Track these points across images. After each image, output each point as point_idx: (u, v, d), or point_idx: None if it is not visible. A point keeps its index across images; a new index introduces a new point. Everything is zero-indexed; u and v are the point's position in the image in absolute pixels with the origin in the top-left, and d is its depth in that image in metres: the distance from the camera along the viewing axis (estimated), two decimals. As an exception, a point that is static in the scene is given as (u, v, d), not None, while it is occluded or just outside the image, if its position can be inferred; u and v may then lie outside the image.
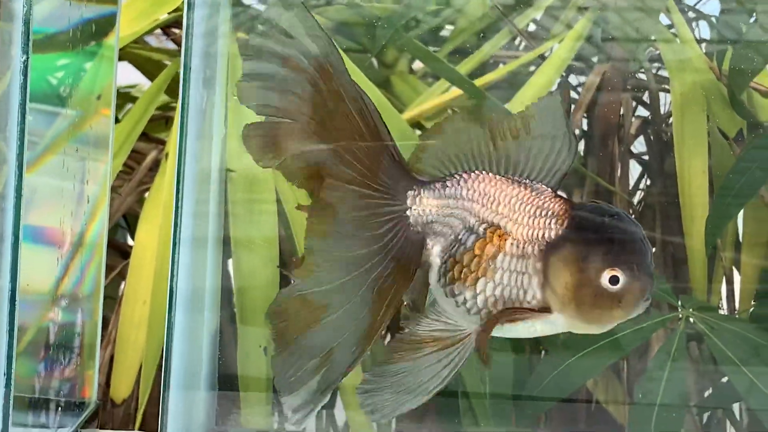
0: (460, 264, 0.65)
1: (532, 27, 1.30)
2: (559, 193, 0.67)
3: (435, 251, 0.66)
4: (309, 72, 0.64)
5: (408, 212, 0.66)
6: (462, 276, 0.65)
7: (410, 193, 0.66)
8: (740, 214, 1.15)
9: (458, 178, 0.66)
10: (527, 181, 0.66)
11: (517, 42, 1.30)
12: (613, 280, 0.63)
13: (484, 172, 0.67)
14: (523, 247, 0.65)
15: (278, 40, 0.64)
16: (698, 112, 1.17)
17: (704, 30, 1.26)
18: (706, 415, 1.16)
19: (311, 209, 0.65)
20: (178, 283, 0.75)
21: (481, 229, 0.65)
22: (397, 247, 0.65)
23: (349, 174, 0.64)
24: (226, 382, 0.90)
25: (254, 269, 0.94)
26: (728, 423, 1.14)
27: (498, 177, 0.66)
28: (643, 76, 1.28)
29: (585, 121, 1.29)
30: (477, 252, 0.65)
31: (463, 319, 0.66)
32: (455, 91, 1.18)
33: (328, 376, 0.64)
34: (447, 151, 0.67)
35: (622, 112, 1.28)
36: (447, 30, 1.28)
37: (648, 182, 1.31)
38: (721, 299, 1.17)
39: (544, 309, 0.64)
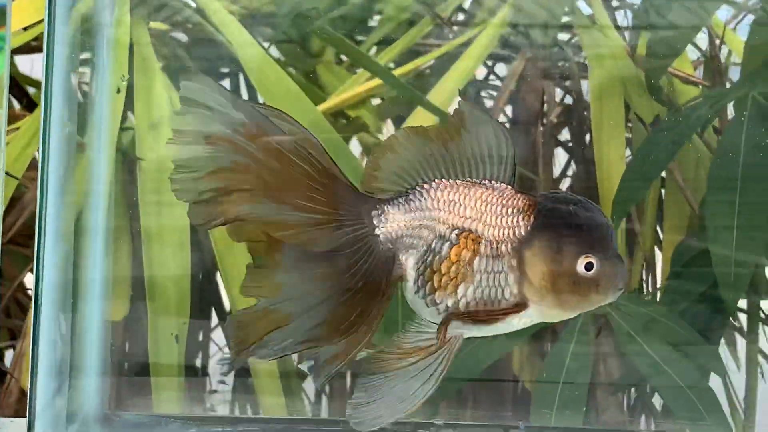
0: (438, 273, 0.66)
1: (461, 16, 1.32)
2: (518, 188, 0.68)
3: (409, 264, 0.67)
4: (236, 142, 0.65)
5: (376, 231, 0.67)
6: (442, 285, 0.66)
7: (374, 213, 0.67)
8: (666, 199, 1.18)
9: (420, 189, 0.68)
10: (486, 181, 0.67)
11: (454, 30, 1.31)
12: (588, 266, 0.65)
13: (443, 179, 0.68)
14: (497, 247, 0.66)
15: (198, 119, 0.65)
16: (616, 99, 1.19)
17: (624, 17, 1.28)
18: (633, 397, 1.19)
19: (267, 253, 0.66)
20: (48, 274, 0.75)
21: (453, 235, 0.66)
22: (364, 267, 0.66)
23: (306, 217, 0.65)
24: (137, 368, 0.91)
25: (165, 258, 0.95)
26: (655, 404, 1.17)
27: (458, 182, 0.67)
28: (566, 64, 1.30)
29: (510, 109, 1.31)
30: (453, 259, 0.66)
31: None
32: (378, 81, 1.19)
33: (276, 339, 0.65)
34: (401, 165, 0.68)
35: (545, 100, 1.30)
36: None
37: (575, 169, 1.33)
38: (642, 281, 1.20)
39: (521, 304, 0.66)
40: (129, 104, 0.96)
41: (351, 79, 1.20)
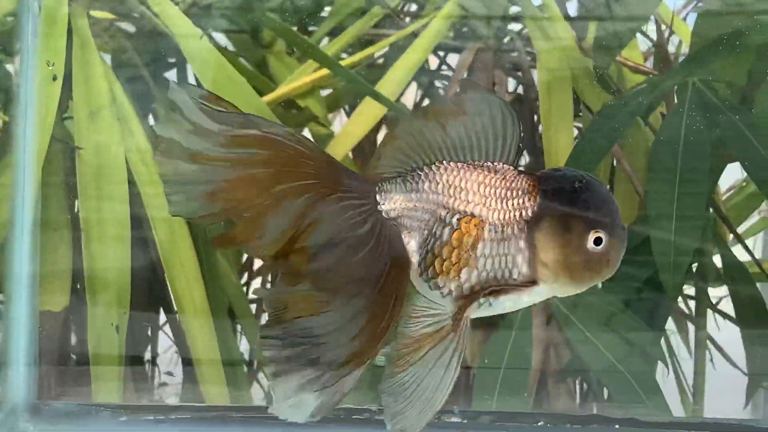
0: (440, 258, 0.66)
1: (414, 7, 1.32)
2: (520, 168, 0.68)
3: (412, 247, 0.67)
4: (224, 152, 0.64)
5: (379, 207, 0.67)
6: (444, 269, 0.66)
7: (377, 189, 0.67)
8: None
9: (418, 172, 0.67)
10: (488, 164, 0.67)
11: (406, 21, 1.31)
12: (597, 241, 0.65)
13: (444, 162, 0.67)
14: (502, 231, 0.66)
15: (182, 135, 0.64)
16: (564, 88, 1.19)
17: (574, 7, 1.29)
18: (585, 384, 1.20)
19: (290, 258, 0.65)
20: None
21: (454, 220, 0.66)
22: (386, 244, 0.66)
23: (315, 198, 0.65)
24: (79, 358, 0.91)
25: (105, 250, 0.95)
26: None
27: (459, 165, 0.67)
28: (516, 54, 1.30)
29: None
30: (455, 244, 0.66)
31: (451, 305, 0.67)
32: (326, 71, 1.19)
33: (321, 367, 0.64)
34: (403, 150, 0.67)
35: (495, 90, 1.30)
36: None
37: (527, 159, 1.34)
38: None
39: (530, 282, 0.66)
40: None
41: (299, 69, 1.20)
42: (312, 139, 0.67)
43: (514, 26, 1.30)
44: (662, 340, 1.28)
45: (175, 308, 0.99)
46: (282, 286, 0.65)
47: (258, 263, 1.28)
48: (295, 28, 1.29)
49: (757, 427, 0.84)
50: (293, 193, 0.64)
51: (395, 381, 0.67)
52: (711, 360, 1.30)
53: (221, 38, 1.27)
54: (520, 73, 1.31)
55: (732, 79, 1.07)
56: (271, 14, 1.22)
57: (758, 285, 1.13)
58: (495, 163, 0.67)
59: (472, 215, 0.66)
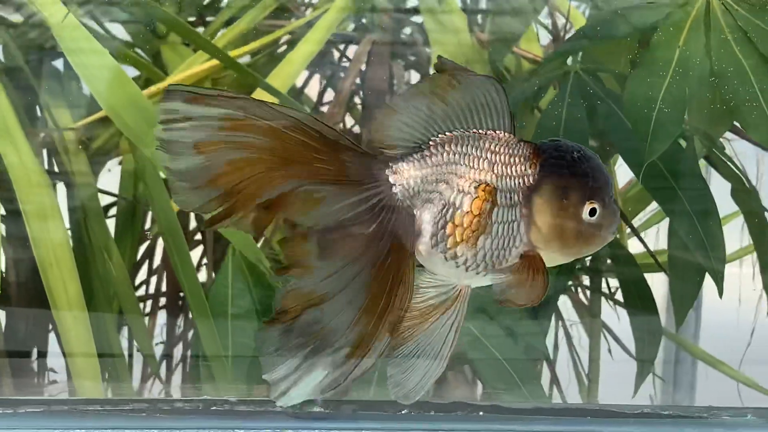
0: (460, 227, 0.66)
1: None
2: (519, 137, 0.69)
3: (425, 219, 0.66)
4: (226, 140, 0.63)
5: (394, 189, 0.66)
6: (464, 238, 0.66)
7: (388, 171, 0.66)
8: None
9: (433, 143, 0.66)
10: (490, 132, 0.67)
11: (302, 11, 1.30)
12: (592, 212, 0.66)
13: (455, 132, 0.67)
14: (511, 197, 0.66)
15: (183, 131, 0.63)
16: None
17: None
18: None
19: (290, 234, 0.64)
20: None
21: (471, 188, 0.66)
22: (389, 227, 0.65)
23: (320, 188, 0.64)
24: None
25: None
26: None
27: (466, 134, 0.67)
28: (414, 46, 1.30)
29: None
30: (475, 212, 0.66)
31: (460, 278, 0.68)
32: (215, 61, 1.18)
33: (315, 351, 0.64)
34: (408, 124, 0.66)
35: (394, 82, 1.30)
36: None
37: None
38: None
39: (528, 251, 0.67)
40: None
41: (190, 58, 1.19)
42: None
43: (417, 18, 1.29)
44: (560, 330, 1.29)
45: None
46: (282, 275, 0.64)
47: (157, 260, 1.27)
48: (193, 19, 1.29)
49: (619, 412, 0.84)
50: (295, 176, 0.64)
51: (400, 352, 0.67)
52: (609, 350, 1.31)
53: (119, 29, 1.25)
54: (416, 65, 1.31)
55: (616, 67, 1.08)
56: (167, 4, 1.21)
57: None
58: (497, 132, 0.67)
59: (487, 183, 0.66)
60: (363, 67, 1.28)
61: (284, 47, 1.30)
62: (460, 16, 1.23)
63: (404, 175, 0.66)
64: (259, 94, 1.18)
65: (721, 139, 1.16)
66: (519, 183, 0.66)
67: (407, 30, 1.31)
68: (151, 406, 0.77)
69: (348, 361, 0.64)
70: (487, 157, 0.67)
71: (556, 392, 1.27)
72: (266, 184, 0.64)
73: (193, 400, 0.80)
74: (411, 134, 0.66)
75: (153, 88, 1.15)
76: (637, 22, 0.99)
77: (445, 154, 0.66)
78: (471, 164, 0.66)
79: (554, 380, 1.28)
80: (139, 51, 1.26)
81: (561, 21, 1.27)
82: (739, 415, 0.86)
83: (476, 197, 0.66)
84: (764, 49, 0.90)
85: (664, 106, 0.90)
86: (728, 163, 1.11)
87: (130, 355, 1.12)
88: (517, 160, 0.67)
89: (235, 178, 0.63)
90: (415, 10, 1.27)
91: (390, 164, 0.66)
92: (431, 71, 0.66)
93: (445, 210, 0.66)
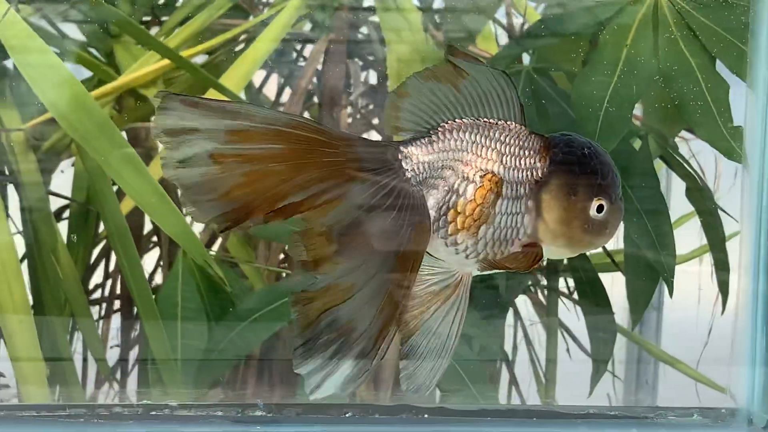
0: (462, 214, 0.65)
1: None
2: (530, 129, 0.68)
3: (429, 204, 0.66)
4: (236, 152, 0.61)
5: (407, 174, 0.65)
6: (465, 226, 0.65)
7: (400, 156, 0.65)
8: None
9: (442, 129, 0.66)
10: (501, 122, 0.66)
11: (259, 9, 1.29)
12: (599, 208, 0.66)
13: (464, 119, 0.66)
14: (516, 189, 0.66)
15: (188, 145, 0.61)
16: (414, 78, 1.18)
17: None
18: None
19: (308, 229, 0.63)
20: None
21: (477, 177, 0.66)
22: (408, 211, 0.64)
23: (336, 187, 0.63)
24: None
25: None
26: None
27: (476, 122, 0.66)
28: (370, 45, 1.29)
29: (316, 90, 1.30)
30: (479, 201, 0.65)
31: (459, 265, 0.67)
32: (167, 60, 1.17)
33: (344, 344, 0.63)
34: (420, 108, 0.65)
35: (351, 81, 1.29)
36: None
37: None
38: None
39: (532, 244, 0.66)
40: None
41: (142, 58, 1.18)
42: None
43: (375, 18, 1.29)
44: (520, 331, 1.29)
45: None
46: (302, 273, 0.63)
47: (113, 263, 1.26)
48: (148, 18, 1.28)
49: (565, 413, 0.84)
50: (314, 180, 0.63)
51: (409, 344, 0.67)
52: (567, 350, 1.31)
53: (73, 29, 1.24)
54: (374, 64, 1.30)
55: (569, 66, 1.08)
56: (121, 3, 1.20)
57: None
58: (508, 123, 0.67)
59: (493, 173, 0.66)
60: (319, 66, 1.28)
61: (242, 45, 1.29)
62: (414, 14, 1.23)
63: (413, 160, 0.65)
64: (212, 94, 1.17)
65: (679, 139, 1.16)
66: (527, 176, 0.66)
67: (364, 29, 1.31)
68: (89, 411, 0.76)
69: (374, 350, 0.63)
70: (495, 147, 0.66)
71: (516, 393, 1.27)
72: (281, 193, 0.62)
73: (132, 405, 0.79)
74: (422, 118, 0.66)
75: (103, 89, 1.15)
76: (586, 20, 0.99)
77: (453, 141, 0.66)
78: (478, 153, 0.66)
79: (513, 381, 1.28)
80: (93, 51, 1.25)
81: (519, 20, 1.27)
82: (685, 415, 0.86)
83: (480, 186, 0.65)
84: (711, 47, 0.90)
85: (610, 106, 0.90)
86: (683, 162, 1.11)
87: (85, 360, 1.11)
88: (526, 152, 0.66)
89: (250, 190, 0.62)
90: (371, 9, 1.26)
91: (400, 149, 0.66)
92: (446, 58, 0.66)
93: (448, 196, 0.66)
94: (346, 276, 0.63)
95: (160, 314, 1.01)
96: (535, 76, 1.04)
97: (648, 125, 1.09)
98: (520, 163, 0.66)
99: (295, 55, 1.34)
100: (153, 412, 0.79)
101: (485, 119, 0.66)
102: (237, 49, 1.30)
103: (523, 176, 0.66)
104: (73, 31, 1.23)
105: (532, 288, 1.28)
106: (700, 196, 1.07)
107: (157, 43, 1.14)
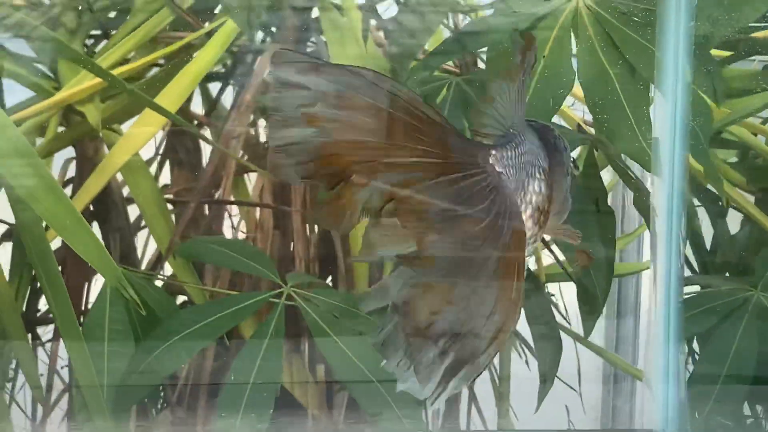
0: (540, 211, 0.67)
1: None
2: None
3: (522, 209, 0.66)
4: (339, 118, 0.60)
5: (502, 176, 0.65)
6: (542, 221, 0.67)
7: (491, 158, 0.65)
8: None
9: (513, 132, 0.67)
10: (533, 120, 0.70)
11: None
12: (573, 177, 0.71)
13: (526, 121, 0.68)
14: (548, 180, 0.68)
15: (295, 99, 0.59)
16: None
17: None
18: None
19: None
20: None
21: (539, 174, 0.68)
22: (503, 209, 0.64)
23: (429, 173, 0.62)
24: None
25: None
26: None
27: (526, 121, 0.69)
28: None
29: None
30: (548, 195, 0.68)
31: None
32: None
33: (462, 353, 0.61)
34: (500, 111, 0.66)
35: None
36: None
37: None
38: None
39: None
40: None
41: (81, 73, 1.17)
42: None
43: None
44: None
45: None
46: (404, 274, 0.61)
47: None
48: (98, 32, 1.27)
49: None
50: (401, 167, 0.61)
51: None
52: (526, 362, 1.28)
53: (21, 44, 1.24)
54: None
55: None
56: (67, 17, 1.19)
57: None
58: (532, 121, 0.70)
59: (545, 169, 0.68)
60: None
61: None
62: (358, 15, 1.20)
63: (504, 162, 0.65)
64: (147, 113, 1.16)
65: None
66: (546, 167, 0.69)
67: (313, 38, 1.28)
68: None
69: (486, 352, 0.61)
70: (539, 144, 0.69)
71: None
72: (373, 170, 0.60)
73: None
74: (501, 122, 0.66)
75: (38, 106, 1.14)
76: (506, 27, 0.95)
77: (527, 143, 0.67)
78: (537, 152, 0.68)
79: (472, 398, 1.25)
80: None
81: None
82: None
83: (543, 181, 0.67)
84: (631, 56, 0.87)
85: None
86: (629, 172, 1.07)
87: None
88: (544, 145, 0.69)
89: (343, 161, 0.60)
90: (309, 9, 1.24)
91: (492, 152, 0.65)
92: (519, 52, 0.65)
93: (526, 196, 0.66)
94: (450, 273, 0.61)
95: (86, 336, 1.00)
96: (464, 86, 1.02)
97: (593, 136, 1.06)
98: (545, 156, 0.69)
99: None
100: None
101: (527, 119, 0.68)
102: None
103: (546, 167, 0.69)
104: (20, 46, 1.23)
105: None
106: (643, 204, 1.04)
107: (90, 62, 1.12)
